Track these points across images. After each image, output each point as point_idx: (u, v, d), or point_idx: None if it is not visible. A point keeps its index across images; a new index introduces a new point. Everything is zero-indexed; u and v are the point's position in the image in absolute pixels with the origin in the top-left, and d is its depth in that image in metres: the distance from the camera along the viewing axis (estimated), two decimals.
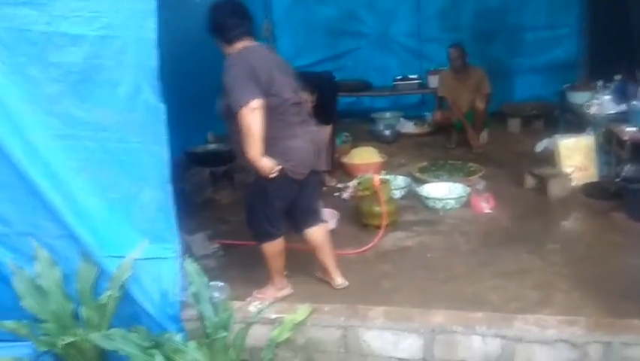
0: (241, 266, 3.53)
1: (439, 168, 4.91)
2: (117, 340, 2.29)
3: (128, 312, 2.56)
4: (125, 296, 2.49)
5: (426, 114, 6.46)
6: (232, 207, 4.65)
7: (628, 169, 3.71)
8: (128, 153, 2.41)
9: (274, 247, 2.88)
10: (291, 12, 7.06)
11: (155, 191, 2.48)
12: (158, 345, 2.37)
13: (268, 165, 2.56)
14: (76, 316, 2.53)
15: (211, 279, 2.68)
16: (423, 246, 3.64)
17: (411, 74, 6.62)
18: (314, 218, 3.02)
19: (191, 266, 2.48)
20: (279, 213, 2.84)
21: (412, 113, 6.66)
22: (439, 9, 6.76)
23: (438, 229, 3.88)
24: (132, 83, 2.32)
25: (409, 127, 6.33)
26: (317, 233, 2.98)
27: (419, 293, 3.01)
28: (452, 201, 4.15)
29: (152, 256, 2.51)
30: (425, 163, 5.07)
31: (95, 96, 2.34)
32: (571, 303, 2.81)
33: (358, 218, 4.01)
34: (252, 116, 2.45)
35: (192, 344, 2.36)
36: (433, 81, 6.19)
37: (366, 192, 3.91)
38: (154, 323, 2.57)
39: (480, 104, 5.45)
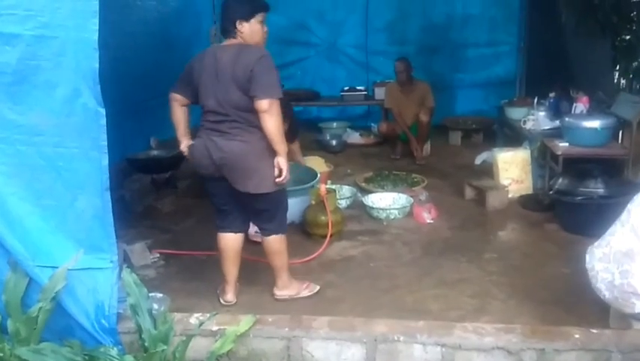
0: (182, 277, 3.45)
1: (383, 179, 4.99)
2: (48, 355, 2.17)
3: (60, 325, 2.44)
4: (58, 308, 2.37)
5: (372, 125, 6.57)
6: (174, 216, 4.54)
7: (560, 183, 3.89)
8: (64, 159, 2.30)
9: (220, 240, 3.06)
10: None
11: (92, 198, 2.39)
12: (92, 360, 2.27)
13: (182, 149, 3.06)
14: (3, 329, 2.39)
15: (150, 290, 2.59)
16: (367, 255, 3.67)
17: (358, 85, 6.72)
18: (263, 228, 3.07)
19: (130, 277, 2.40)
20: (219, 206, 3.05)
21: (358, 124, 6.77)
22: (386, 22, 6.92)
23: (382, 239, 3.93)
24: (71, 86, 2.23)
25: (355, 137, 6.41)
26: (266, 242, 3.05)
27: (362, 303, 3.04)
28: (396, 212, 4.22)
29: (87, 266, 2.40)
30: (370, 173, 5.14)
31: (31, 98, 2.22)
32: (507, 311, 2.92)
33: (304, 227, 4.01)
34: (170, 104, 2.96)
35: (129, 358, 2.27)
36: (379, 93, 6.30)
37: (313, 202, 3.92)
38: (88, 336, 2.46)
39: (424, 117, 5.59)
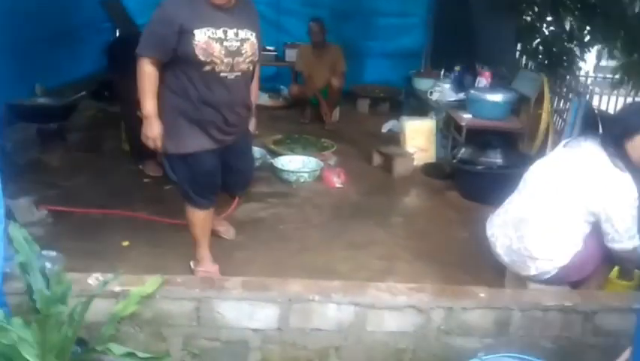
0: (75, 236, 3.18)
1: (293, 142, 4.93)
2: None
3: None
4: None
5: (281, 87, 6.44)
6: (63, 171, 4.17)
7: (463, 152, 4.06)
8: None
9: (205, 216, 2.88)
10: None
11: None
12: None
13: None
14: None
15: (41, 249, 2.34)
16: (276, 218, 3.61)
17: (268, 45, 6.52)
18: None
19: (19, 232, 2.12)
20: (214, 182, 2.85)
21: (267, 86, 6.58)
22: None
23: (291, 202, 3.89)
24: None
25: (263, 99, 6.24)
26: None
27: (273, 264, 2.99)
28: (306, 175, 4.19)
29: None
30: (280, 136, 5.05)
31: None
32: (413, 272, 3.01)
33: None
34: None
35: (17, 321, 2.03)
36: (291, 54, 6.17)
37: None
38: None
39: (336, 82, 5.57)
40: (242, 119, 2.73)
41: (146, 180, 4.09)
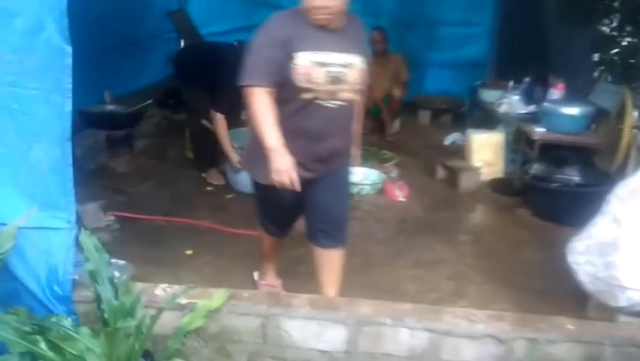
0: (140, 243, 3.20)
1: None
2: None
3: (5, 289, 2.14)
4: (4, 271, 2.08)
5: None
6: (129, 177, 4.24)
7: (536, 168, 3.84)
8: (20, 101, 1.98)
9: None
10: None
11: (50, 148, 2.08)
12: (42, 330, 1.99)
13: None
14: None
15: (108, 255, 2.33)
16: None
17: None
18: None
19: (89, 240, 2.12)
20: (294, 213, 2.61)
21: None
22: None
23: (353, 215, 3.75)
24: (33, 17, 1.90)
25: None
26: None
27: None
28: (367, 187, 4.08)
29: (40, 225, 2.10)
30: None
31: None
32: (484, 295, 2.86)
33: None
34: None
35: (85, 330, 2.02)
36: None
37: None
38: (38, 303, 2.17)
39: (397, 92, 5.45)
40: (337, 154, 2.36)
41: (208, 188, 4.10)
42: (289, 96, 2.19)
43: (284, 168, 2.13)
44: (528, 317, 2.16)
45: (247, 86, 2.17)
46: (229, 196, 3.93)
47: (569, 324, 2.09)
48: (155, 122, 5.38)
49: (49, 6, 1.91)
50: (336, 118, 2.26)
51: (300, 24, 2.18)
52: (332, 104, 2.22)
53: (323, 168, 2.35)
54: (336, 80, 2.18)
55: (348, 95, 2.25)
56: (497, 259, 3.27)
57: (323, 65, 2.15)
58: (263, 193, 2.41)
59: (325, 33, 2.18)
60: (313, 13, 2.14)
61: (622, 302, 2.30)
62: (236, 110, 3.92)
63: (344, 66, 2.19)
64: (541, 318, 2.13)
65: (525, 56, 5.20)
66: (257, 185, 2.43)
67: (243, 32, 6.50)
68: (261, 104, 2.15)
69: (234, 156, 3.81)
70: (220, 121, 3.82)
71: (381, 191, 4.14)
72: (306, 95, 2.18)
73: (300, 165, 2.22)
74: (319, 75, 2.15)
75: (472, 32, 6.57)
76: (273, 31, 2.19)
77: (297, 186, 2.16)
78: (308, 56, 2.14)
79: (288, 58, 2.14)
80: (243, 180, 3.56)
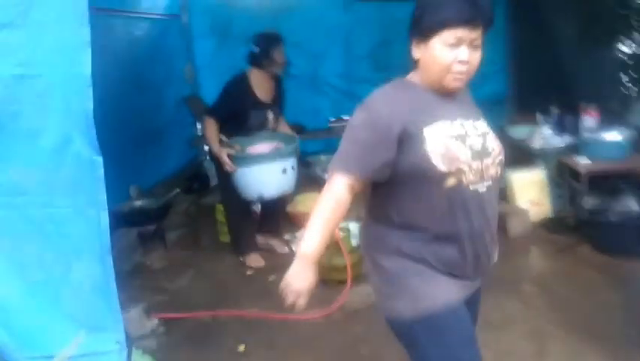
0: (189, 345, 3.00)
1: None
2: None
3: None
4: None
5: None
6: (166, 272, 4.08)
7: (588, 202, 3.62)
8: (54, 221, 1.88)
9: None
10: (215, 55, 6.71)
11: (90, 266, 1.96)
12: None
13: None
14: None
15: None
16: None
17: (344, 115, 6.43)
18: None
19: (143, 360, 1.96)
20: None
21: None
22: (368, 49, 6.71)
23: None
24: (59, 132, 1.83)
25: None
26: None
27: (405, 359, 2.65)
28: None
29: (89, 351, 1.96)
30: None
31: (10, 151, 1.81)
32: (571, 353, 2.59)
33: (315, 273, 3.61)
34: None
35: None
36: None
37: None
38: None
39: None
40: (493, 253, 1.79)
41: (249, 272, 3.93)
42: (429, 188, 1.62)
43: (297, 288, 1.64)
44: None
45: (330, 172, 1.67)
46: (271, 278, 3.75)
47: None
48: (184, 210, 5.29)
49: (76, 119, 1.85)
50: (488, 204, 1.68)
51: (417, 92, 1.71)
52: (482, 186, 1.65)
53: (482, 274, 1.78)
54: (479, 153, 1.66)
55: (494, 171, 1.70)
56: (572, 307, 3.01)
57: (461, 137, 1.65)
58: (437, 330, 1.66)
59: (448, 99, 1.71)
60: (444, 77, 1.66)
61: None
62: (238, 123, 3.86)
63: (481, 135, 1.71)
64: None
65: (547, 87, 5.08)
66: (423, 323, 1.66)
67: None
68: (331, 197, 1.63)
69: (223, 153, 3.70)
70: (209, 121, 3.79)
71: None
72: (452, 181, 1.61)
73: (462, 273, 1.68)
74: (462, 151, 1.62)
75: (486, 71, 6.43)
76: (378, 110, 1.66)
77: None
78: (441, 129, 1.64)
79: (410, 140, 1.62)
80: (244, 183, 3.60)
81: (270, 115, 3.98)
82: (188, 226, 4.96)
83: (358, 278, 3.51)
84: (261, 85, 3.91)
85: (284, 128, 4.25)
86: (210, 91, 6.73)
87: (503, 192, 4.51)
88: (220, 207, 4.39)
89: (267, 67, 3.85)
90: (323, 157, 6.50)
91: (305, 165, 6.36)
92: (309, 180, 6.03)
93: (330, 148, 7.33)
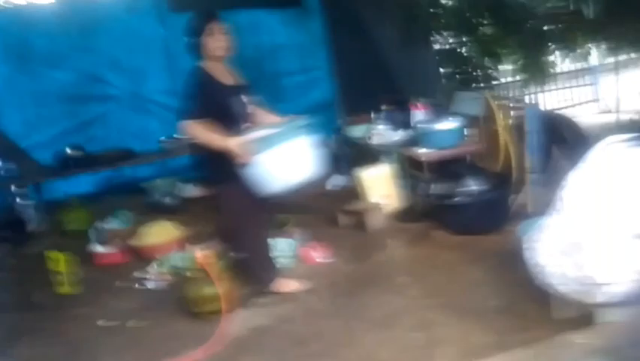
0: None
1: None
2: None
3: None
4: None
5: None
6: (2, 346, 3.35)
7: (435, 187, 3.87)
8: None
9: None
10: (12, 81, 5.85)
11: None
12: None
13: None
14: None
15: None
16: (277, 319, 3.12)
17: (176, 134, 6.03)
18: None
19: None
20: None
21: (187, 176, 6.07)
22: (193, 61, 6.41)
23: (282, 296, 3.40)
24: None
25: (190, 190, 5.73)
26: None
27: None
28: (283, 261, 3.74)
29: None
30: None
31: None
32: (460, 335, 2.67)
33: (183, 307, 3.28)
34: None
35: None
36: None
37: (189, 275, 3.25)
38: None
39: None
40: None
41: (99, 322, 3.39)
42: None
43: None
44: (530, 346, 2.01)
45: None
46: (130, 324, 3.30)
47: (578, 338, 1.99)
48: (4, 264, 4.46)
49: None
50: None
51: None
52: None
53: None
54: None
55: None
56: (446, 290, 3.14)
57: None
58: None
59: None
60: None
61: (599, 298, 2.26)
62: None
63: None
64: (549, 342, 2.00)
65: (375, 86, 5.35)
66: None
67: (73, 134, 5.87)
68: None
69: (234, 143, 2.94)
70: (193, 125, 3.04)
71: (296, 259, 3.83)
72: None
73: None
74: None
75: (313, 77, 6.68)
76: None
77: None
78: None
79: None
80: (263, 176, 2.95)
81: (245, 99, 3.30)
82: (13, 283, 4.17)
83: (232, 305, 3.26)
84: (219, 72, 3.20)
85: (266, 116, 3.51)
86: (12, 121, 5.83)
87: (351, 191, 4.64)
88: (52, 255, 3.75)
89: (211, 55, 3.18)
90: (160, 181, 6.02)
91: (139, 193, 5.83)
92: (149, 207, 5.54)
93: (164, 172, 6.83)
